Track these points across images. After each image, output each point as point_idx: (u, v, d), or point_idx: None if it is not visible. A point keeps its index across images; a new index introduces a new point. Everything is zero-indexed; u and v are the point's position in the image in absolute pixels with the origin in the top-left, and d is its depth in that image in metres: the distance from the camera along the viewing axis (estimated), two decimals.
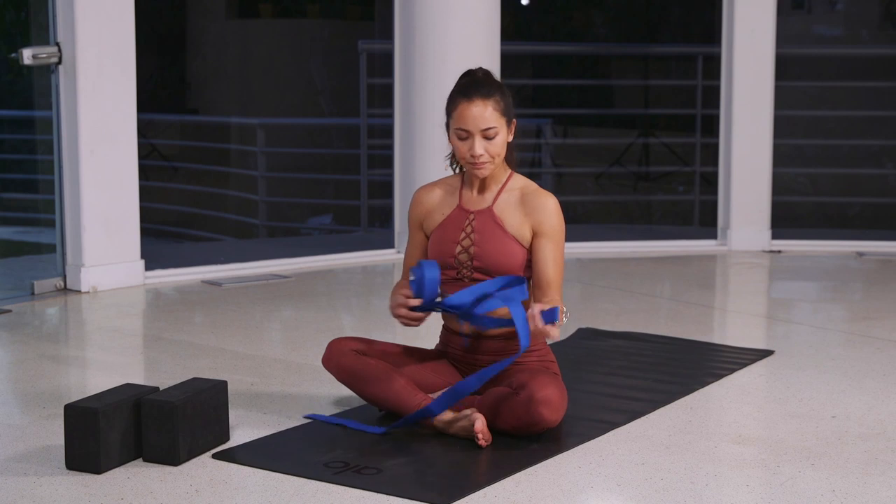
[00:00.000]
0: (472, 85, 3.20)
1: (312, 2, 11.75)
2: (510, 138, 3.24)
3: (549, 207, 3.22)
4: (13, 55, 5.21)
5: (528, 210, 3.23)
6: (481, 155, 3.17)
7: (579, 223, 8.47)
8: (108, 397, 2.95)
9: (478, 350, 3.31)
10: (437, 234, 3.31)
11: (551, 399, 3.06)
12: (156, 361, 4.10)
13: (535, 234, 3.22)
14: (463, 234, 3.26)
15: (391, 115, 6.34)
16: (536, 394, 3.05)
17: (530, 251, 3.23)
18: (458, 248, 3.25)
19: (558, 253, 3.22)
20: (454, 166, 3.38)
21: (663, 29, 11.40)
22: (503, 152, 3.22)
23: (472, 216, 3.27)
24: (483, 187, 3.29)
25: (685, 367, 3.95)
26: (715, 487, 2.79)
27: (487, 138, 3.17)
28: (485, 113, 3.15)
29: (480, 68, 3.29)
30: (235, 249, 7.24)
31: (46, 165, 5.50)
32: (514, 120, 3.25)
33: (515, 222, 3.23)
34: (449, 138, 3.25)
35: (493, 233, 3.23)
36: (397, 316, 3.22)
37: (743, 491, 2.79)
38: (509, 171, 3.30)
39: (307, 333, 4.54)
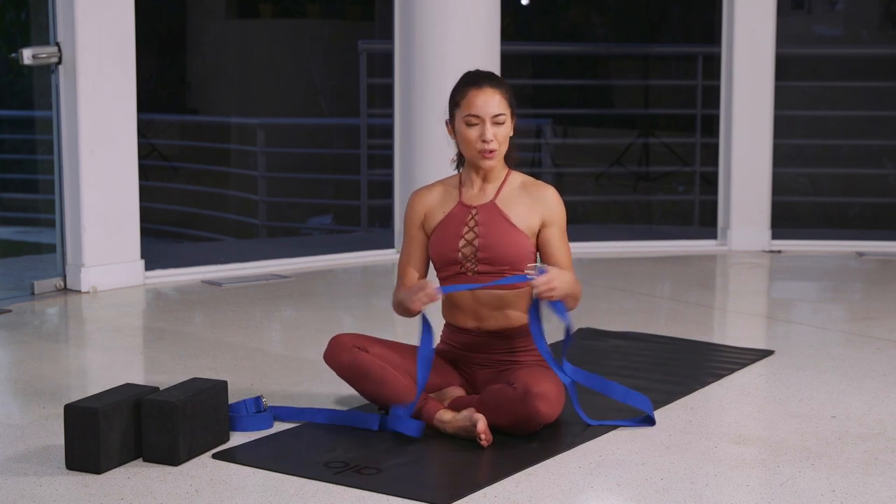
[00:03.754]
0: (480, 75, 3.28)
1: (312, 2, 11.75)
2: (511, 133, 3.28)
3: (553, 198, 3.31)
4: (13, 55, 5.21)
5: (532, 201, 3.29)
6: (491, 140, 3.20)
7: (579, 223, 8.47)
8: (108, 397, 2.95)
9: (480, 348, 3.32)
10: (438, 232, 3.32)
11: (548, 394, 3.07)
12: (156, 361, 4.10)
13: (544, 225, 3.28)
14: (466, 229, 3.28)
15: (391, 115, 6.34)
16: (533, 388, 3.06)
17: (539, 240, 3.29)
18: (462, 242, 3.27)
19: (565, 238, 3.32)
20: (459, 167, 3.40)
21: (663, 29, 11.40)
22: (507, 144, 3.26)
23: (474, 211, 3.29)
24: (484, 184, 3.32)
25: (685, 367, 3.95)
26: (715, 487, 2.79)
27: (496, 125, 3.22)
28: (498, 99, 3.22)
29: (479, 69, 3.33)
30: (235, 249, 7.24)
31: (46, 165, 5.50)
32: (516, 116, 3.30)
33: (520, 213, 3.27)
34: (451, 132, 3.29)
35: (499, 224, 3.25)
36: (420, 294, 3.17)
37: (743, 491, 2.79)
38: (507, 168, 3.33)
39: (307, 333, 4.54)
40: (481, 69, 3.34)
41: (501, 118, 3.23)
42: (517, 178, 3.34)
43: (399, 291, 3.31)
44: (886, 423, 3.31)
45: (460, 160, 3.38)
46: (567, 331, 3.23)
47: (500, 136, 3.24)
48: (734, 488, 2.80)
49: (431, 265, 3.39)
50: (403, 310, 3.27)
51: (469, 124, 3.24)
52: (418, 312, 3.20)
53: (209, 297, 5.29)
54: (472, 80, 3.26)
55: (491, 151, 3.24)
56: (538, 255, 3.33)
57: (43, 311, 5.00)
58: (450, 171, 3.43)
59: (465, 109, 3.23)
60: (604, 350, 4.22)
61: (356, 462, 2.94)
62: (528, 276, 3.13)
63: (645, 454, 3.02)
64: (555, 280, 3.09)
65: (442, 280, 3.34)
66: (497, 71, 5.97)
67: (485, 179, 3.33)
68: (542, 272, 3.10)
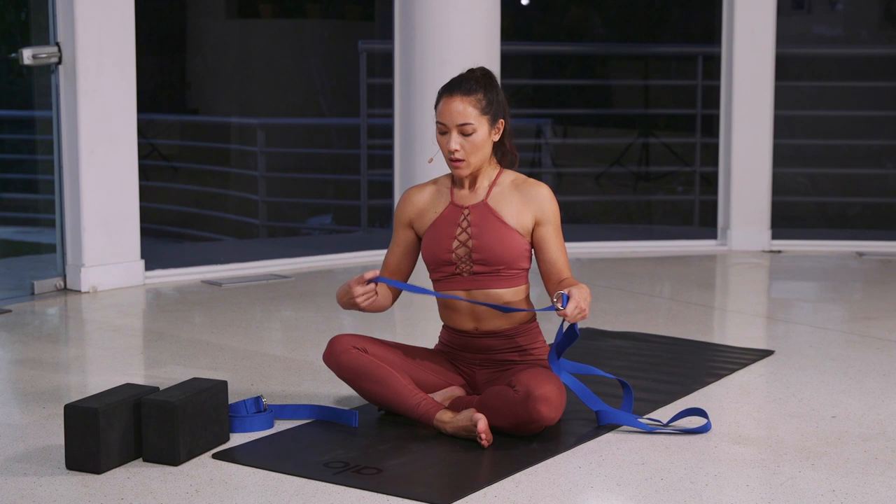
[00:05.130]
0: (458, 81, 3.25)
1: (312, 2, 11.75)
2: (495, 138, 3.25)
3: (546, 196, 3.28)
4: (13, 55, 5.21)
5: (525, 199, 3.27)
6: (456, 150, 3.20)
7: (579, 223, 8.47)
8: (108, 397, 2.95)
9: (479, 349, 3.32)
10: (430, 233, 3.31)
11: (549, 396, 3.07)
12: (156, 361, 4.10)
13: (537, 224, 3.26)
14: (459, 230, 3.27)
15: (391, 115, 6.35)
16: (535, 391, 3.05)
17: (533, 239, 3.27)
18: (456, 244, 3.26)
19: (561, 238, 3.30)
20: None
21: (663, 29, 11.40)
22: (482, 151, 3.24)
23: (466, 211, 3.29)
24: (474, 184, 3.31)
25: (685, 367, 3.95)
26: (715, 487, 2.79)
27: (464, 134, 3.20)
28: (463, 109, 3.19)
29: (481, 67, 3.31)
30: (235, 249, 7.24)
31: (46, 165, 5.50)
32: (503, 120, 3.25)
33: (513, 212, 3.26)
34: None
35: (492, 224, 3.25)
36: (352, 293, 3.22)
37: (743, 491, 2.79)
38: (499, 168, 3.32)
39: (307, 333, 4.54)
40: (479, 71, 3.28)
41: (468, 128, 3.20)
42: (508, 176, 3.32)
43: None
44: (886, 423, 3.31)
45: None
46: (571, 332, 3.18)
47: (468, 145, 3.21)
48: (734, 488, 2.80)
49: (424, 267, 3.38)
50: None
51: (439, 132, 3.24)
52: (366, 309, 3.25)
53: (209, 297, 5.29)
54: (448, 87, 3.24)
55: (458, 161, 3.23)
56: (530, 256, 3.30)
57: (43, 311, 5.00)
58: (448, 169, 3.43)
59: (437, 116, 3.24)
60: (604, 350, 4.22)
61: (356, 462, 2.94)
62: (555, 308, 3.03)
63: (645, 454, 3.02)
64: (581, 302, 3.04)
65: (436, 281, 3.33)
66: (497, 71, 5.97)
67: (475, 180, 3.32)
68: (566, 300, 3.02)
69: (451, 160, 3.23)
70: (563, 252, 3.29)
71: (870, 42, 10.12)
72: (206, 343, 4.33)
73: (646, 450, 3.06)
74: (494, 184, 3.31)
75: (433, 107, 3.28)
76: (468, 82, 3.22)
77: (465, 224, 3.28)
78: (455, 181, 3.35)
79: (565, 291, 3.03)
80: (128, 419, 2.93)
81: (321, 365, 3.65)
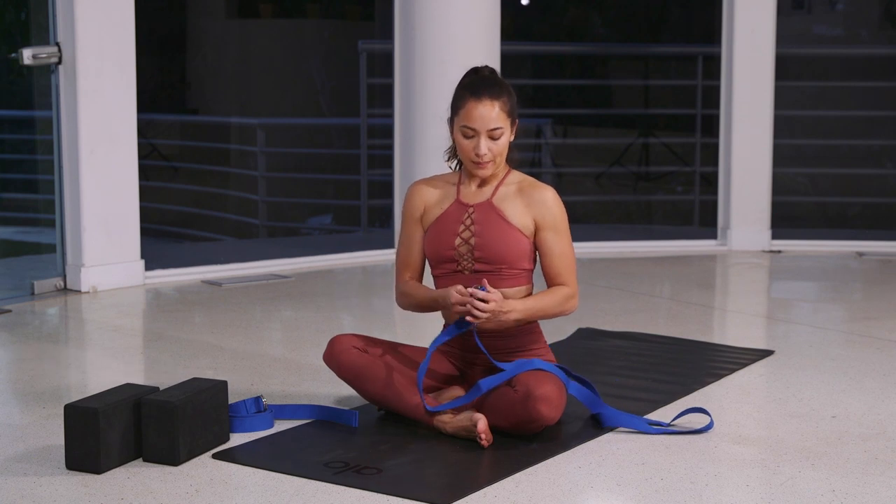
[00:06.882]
0: (482, 83, 3.22)
1: (312, 2, 11.75)
2: (512, 138, 3.26)
3: (548, 200, 3.26)
4: (13, 55, 5.21)
5: (528, 202, 3.26)
6: (485, 154, 3.19)
7: (579, 223, 8.47)
8: (108, 397, 2.95)
9: (480, 350, 3.31)
10: (434, 229, 3.31)
11: (550, 396, 3.07)
12: (156, 361, 4.10)
13: (538, 228, 3.25)
14: (462, 227, 3.27)
15: (391, 115, 6.34)
16: (535, 391, 3.05)
17: (535, 243, 3.26)
18: (458, 241, 3.26)
19: (564, 243, 3.26)
20: (453, 163, 3.39)
21: (663, 29, 11.40)
22: (506, 152, 3.24)
23: (471, 209, 3.28)
24: (483, 183, 3.31)
25: (685, 367, 3.95)
26: (715, 487, 2.79)
27: (493, 138, 3.20)
28: (493, 113, 3.18)
29: (487, 66, 3.31)
30: (235, 249, 7.25)
31: (46, 165, 5.50)
32: (517, 121, 3.27)
33: (516, 212, 3.25)
34: (452, 134, 3.27)
35: (495, 223, 3.24)
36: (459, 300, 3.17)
37: (743, 491, 2.79)
38: (507, 167, 3.32)
39: (307, 333, 4.54)
40: (487, 70, 3.29)
41: (498, 132, 3.20)
42: (516, 177, 3.32)
43: (422, 289, 3.31)
44: (886, 423, 3.31)
45: (454, 154, 3.38)
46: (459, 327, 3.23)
47: (495, 148, 3.21)
48: (734, 488, 2.80)
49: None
50: (426, 308, 3.30)
51: (465, 136, 3.22)
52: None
53: (209, 297, 5.29)
54: (473, 90, 3.21)
55: (485, 163, 3.23)
56: (533, 258, 3.31)
57: (43, 311, 5.00)
58: (448, 166, 3.43)
59: (462, 120, 3.21)
60: (604, 350, 4.22)
61: (356, 462, 2.94)
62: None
63: (645, 454, 3.02)
64: (493, 314, 3.11)
65: (437, 278, 3.33)
66: (497, 71, 5.96)
67: (485, 179, 3.32)
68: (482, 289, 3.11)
69: (478, 163, 3.22)
70: (564, 258, 3.26)
71: (870, 42, 10.12)
72: (206, 343, 4.33)
73: (646, 450, 3.06)
74: (502, 183, 3.30)
75: (450, 107, 3.26)
76: (493, 85, 3.22)
77: (468, 222, 3.27)
78: (463, 179, 3.34)
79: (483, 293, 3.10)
80: (128, 419, 2.93)
81: (321, 365, 3.65)
